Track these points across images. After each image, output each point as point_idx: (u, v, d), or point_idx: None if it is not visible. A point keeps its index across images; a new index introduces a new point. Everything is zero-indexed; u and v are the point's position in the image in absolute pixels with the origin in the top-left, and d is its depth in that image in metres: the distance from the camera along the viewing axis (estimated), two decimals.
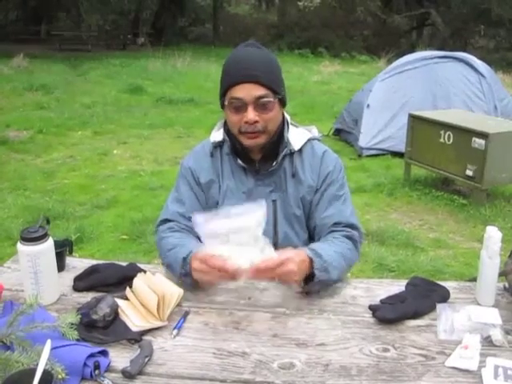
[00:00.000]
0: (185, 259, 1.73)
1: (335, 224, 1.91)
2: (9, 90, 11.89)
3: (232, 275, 1.59)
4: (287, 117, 2.01)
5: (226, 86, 1.86)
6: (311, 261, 1.70)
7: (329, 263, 1.74)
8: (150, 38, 24.31)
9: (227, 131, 1.97)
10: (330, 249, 1.81)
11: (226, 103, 1.87)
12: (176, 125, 9.70)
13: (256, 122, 1.83)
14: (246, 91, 1.81)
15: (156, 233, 2.03)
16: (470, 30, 25.78)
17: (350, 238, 1.90)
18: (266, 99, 1.83)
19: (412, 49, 18.66)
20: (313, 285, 1.73)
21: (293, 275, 1.63)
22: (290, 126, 2.00)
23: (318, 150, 2.01)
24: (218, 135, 2.00)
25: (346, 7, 26.30)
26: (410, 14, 26.93)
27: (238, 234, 1.57)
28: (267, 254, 1.59)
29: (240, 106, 1.83)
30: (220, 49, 21.23)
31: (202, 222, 1.59)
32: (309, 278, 1.71)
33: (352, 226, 1.93)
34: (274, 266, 1.58)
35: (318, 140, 2.06)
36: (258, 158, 1.95)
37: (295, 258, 1.63)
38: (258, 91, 1.82)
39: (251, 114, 1.82)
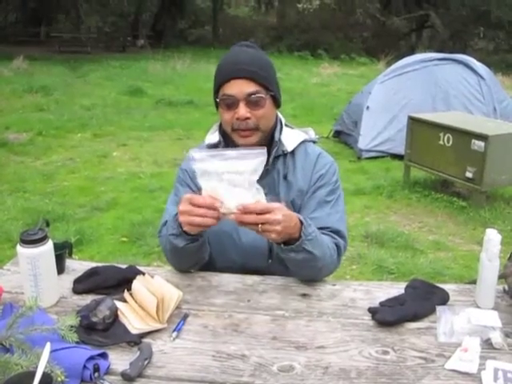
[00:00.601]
0: (175, 217, 1.72)
1: (321, 228, 1.85)
2: (8, 92, 11.90)
3: (218, 213, 1.56)
4: (281, 118, 2.00)
5: (218, 83, 1.87)
6: (301, 225, 1.68)
7: (316, 238, 1.73)
8: (150, 40, 24.36)
9: (222, 132, 1.97)
10: (319, 232, 1.80)
11: (219, 100, 1.87)
12: (176, 127, 9.70)
13: (248, 118, 1.82)
14: (238, 88, 1.81)
15: (159, 238, 2.01)
16: (470, 32, 25.83)
17: (334, 244, 1.87)
18: (257, 95, 1.82)
19: (411, 51, 18.70)
20: (291, 250, 1.70)
21: (276, 225, 1.57)
22: (284, 128, 1.98)
23: (311, 152, 1.99)
24: (213, 137, 2.00)
25: (345, 9, 26.39)
26: (409, 16, 26.95)
27: (232, 175, 1.55)
28: (258, 200, 1.57)
29: (232, 103, 1.83)
30: (220, 51, 21.16)
31: (198, 159, 1.58)
32: (290, 242, 1.69)
33: (338, 233, 1.90)
34: (262, 208, 1.55)
35: (314, 142, 2.04)
36: None
37: (285, 210, 1.62)
38: (250, 87, 1.82)
39: (242, 110, 1.81)
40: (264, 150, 1.57)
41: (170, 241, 1.79)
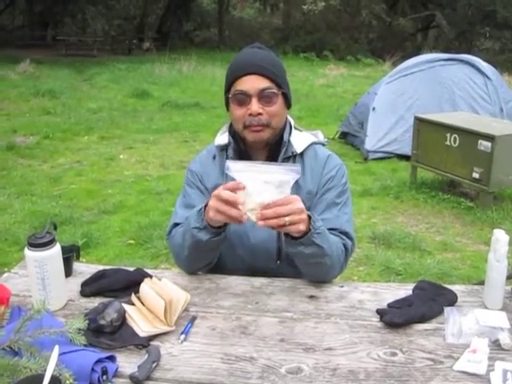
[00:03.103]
0: (199, 211, 1.74)
1: (329, 229, 1.85)
2: (15, 96, 11.95)
3: (240, 211, 1.57)
4: (291, 120, 2.01)
5: (231, 79, 1.88)
6: (309, 219, 1.68)
7: (324, 232, 1.74)
8: (156, 43, 24.41)
9: (232, 133, 1.97)
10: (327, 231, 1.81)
11: (231, 96, 1.87)
12: (182, 129, 9.72)
13: (260, 114, 1.83)
14: (250, 83, 1.83)
15: (168, 240, 2.01)
16: (476, 32, 25.77)
17: (343, 245, 1.88)
18: (269, 91, 1.84)
19: (417, 51, 18.66)
20: (300, 243, 1.70)
21: (301, 213, 1.59)
22: (294, 130, 1.99)
23: (321, 154, 1.99)
24: (222, 139, 2.00)
25: (350, 10, 26.35)
26: (415, 17, 26.94)
27: (266, 186, 1.57)
28: None
29: (244, 99, 1.84)
30: (225, 53, 21.27)
31: (236, 170, 1.59)
32: (299, 236, 1.69)
33: (346, 235, 1.90)
34: (283, 201, 1.56)
35: (323, 145, 2.05)
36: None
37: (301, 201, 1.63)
38: (262, 83, 1.83)
39: (255, 106, 1.82)
40: (298, 168, 1.59)
41: (192, 235, 1.78)
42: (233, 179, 1.60)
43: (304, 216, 1.61)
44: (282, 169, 1.59)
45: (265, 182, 1.56)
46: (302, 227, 1.62)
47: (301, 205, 1.60)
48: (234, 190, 1.58)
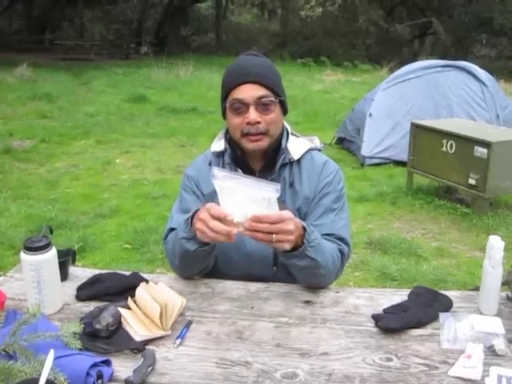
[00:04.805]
0: (186, 221, 1.73)
1: (326, 235, 1.87)
2: (12, 99, 11.94)
3: (230, 229, 1.55)
4: (287, 126, 2.01)
5: (228, 88, 1.87)
6: (304, 232, 1.68)
7: (319, 245, 1.73)
8: (153, 48, 24.46)
9: (229, 140, 1.97)
10: (322, 239, 1.80)
11: (228, 105, 1.87)
12: (179, 134, 9.72)
13: (258, 122, 1.83)
14: (248, 92, 1.82)
15: (164, 244, 2.01)
16: (472, 38, 25.89)
17: (339, 250, 1.88)
18: (267, 99, 1.83)
19: (414, 58, 18.70)
20: (294, 256, 1.70)
21: (289, 235, 1.58)
22: (291, 136, 1.99)
23: (318, 160, 1.99)
24: (218, 145, 2.00)
25: (348, 16, 26.42)
26: (412, 23, 27.03)
27: (250, 202, 1.55)
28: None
29: (241, 108, 1.83)
30: (223, 58, 21.30)
31: (220, 177, 1.57)
32: (293, 249, 1.68)
33: (342, 240, 1.91)
34: (276, 219, 1.55)
35: (319, 150, 2.05)
36: (259, 168, 1.94)
37: (295, 219, 1.62)
38: (259, 91, 1.82)
39: (253, 114, 1.82)
40: (279, 187, 1.54)
41: (180, 244, 1.78)
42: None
43: (291, 237, 1.59)
44: (263, 185, 1.54)
45: (249, 196, 1.54)
46: (287, 246, 1.61)
47: (291, 226, 1.58)
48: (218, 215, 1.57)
